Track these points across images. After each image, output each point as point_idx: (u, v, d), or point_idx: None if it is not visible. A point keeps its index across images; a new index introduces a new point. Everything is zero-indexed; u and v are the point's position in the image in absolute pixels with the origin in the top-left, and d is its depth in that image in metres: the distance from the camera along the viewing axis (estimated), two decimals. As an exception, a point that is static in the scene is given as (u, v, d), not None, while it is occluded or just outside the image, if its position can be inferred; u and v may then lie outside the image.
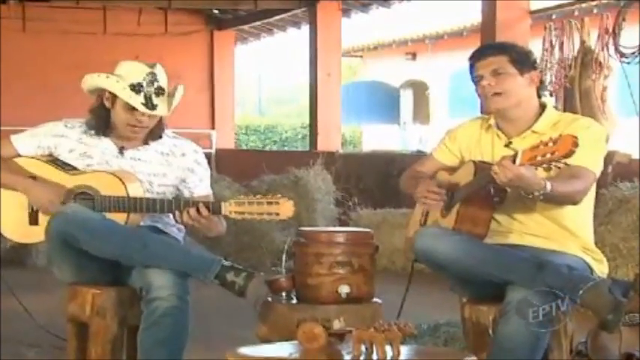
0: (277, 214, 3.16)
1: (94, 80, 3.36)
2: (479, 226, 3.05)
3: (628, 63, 6.12)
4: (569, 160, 2.78)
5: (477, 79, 3.17)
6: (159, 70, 3.36)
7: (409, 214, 3.49)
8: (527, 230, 3.14)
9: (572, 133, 2.99)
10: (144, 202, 3.26)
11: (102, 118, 3.38)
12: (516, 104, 3.14)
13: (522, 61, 3.15)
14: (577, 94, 6.23)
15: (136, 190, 3.31)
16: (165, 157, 3.43)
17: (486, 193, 3.01)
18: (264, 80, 28.06)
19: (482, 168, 3.07)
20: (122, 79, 3.31)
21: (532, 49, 3.36)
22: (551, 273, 2.93)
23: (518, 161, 2.79)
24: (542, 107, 3.19)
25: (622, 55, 6.13)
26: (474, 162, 3.15)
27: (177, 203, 3.25)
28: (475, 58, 3.19)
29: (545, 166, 2.79)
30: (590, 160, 3.02)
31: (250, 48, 13.88)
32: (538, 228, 3.13)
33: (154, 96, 3.30)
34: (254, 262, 6.52)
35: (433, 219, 3.27)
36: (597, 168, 3.07)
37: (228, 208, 3.19)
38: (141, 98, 3.29)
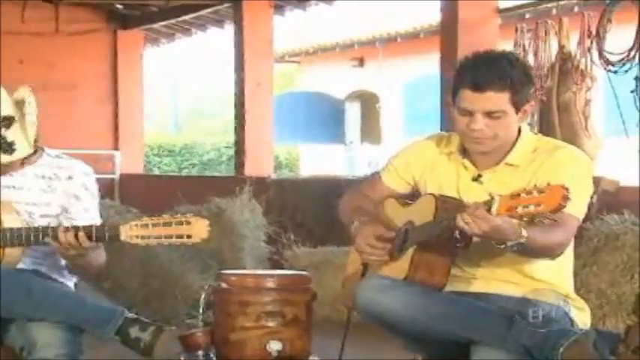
0: (189, 236, 3.15)
1: None
2: (436, 275, 3.06)
3: (615, 72, 6.22)
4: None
5: (462, 112, 3.10)
6: None
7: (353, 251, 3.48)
8: (494, 276, 3.16)
9: (552, 165, 3.04)
10: (15, 232, 3.20)
11: None
12: (502, 142, 3.15)
13: (523, 95, 3.12)
14: (555, 109, 6.31)
15: (12, 222, 3.26)
16: (48, 182, 3.40)
17: (449, 237, 3.01)
18: (181, 90, 28.00)
19: (444, 207, 3.07)
20: None
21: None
22: (525, 328, 2.95)
23: (494, 210, 2.78)
24: (519, 131, 3.20)
25: (608, 62, 6.23)
26: (435, 197, 3.15)
27: (54, 230, 3.20)
28: (469, 83, 3.08)
29: (525, 219, 2.78)
30: (574, 204, 2.98)
31: (163, 51, 13.84)
32: (506, 273, 3.15)
33: (3, 130, 3.24)
34: (165, 313, 6.46)
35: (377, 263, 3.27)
36: (582, 212, 3.09)
37: (128, 232, 3.16)
38: None
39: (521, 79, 3.12)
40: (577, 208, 3.03)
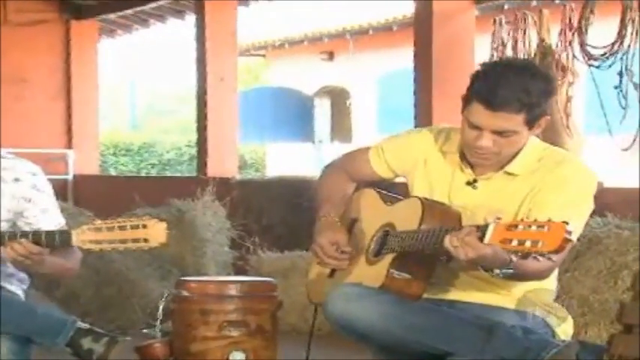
0: (146, 240, 3.14)
1: None
2: (414, 286, 3.06)
3: (597, 67, 6.26)
4: (542, 214, 2.74)
5: (471, 126, 3.06)
6: None
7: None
8: (471, 284, 3.16)
9: (555, 180, 3.01)
10: None
11: None
12: (505, 157, 3.13)
13: (539, 112, 3.06)
14: (535, 106, 6.34)
15: None
16: (-8, 185, 3.37)
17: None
18: (139, 85, 27.87)
19: (431, 214, 3.05)
20: None
21: (547, 80, 3.13)
22: (504, 339, 2.96)
23: (487, 238, 2.75)
24: None
25: (590, 56, 6.27)
26: (422, 202, 3.13)
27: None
28: (483, 99, 3.02)
29: (519, 254, 2.73)
30: (572, 226, 2.87)
31: (119, 43, 13.78)
32: (485, 281, 3.14)
33: None
34: (122, 322, 6.43)
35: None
36: (578, 233, 3.05)
37: (80, 237, 3.16)
38: None
39: (541, 97, 3.05)
40: (575, 231, 2.90)
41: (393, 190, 3.42)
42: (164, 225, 3.17)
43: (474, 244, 2.77)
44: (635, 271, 4.95)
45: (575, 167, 3.14)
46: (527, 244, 2.67)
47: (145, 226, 3.15)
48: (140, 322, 6.46)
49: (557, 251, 2.67)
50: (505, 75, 3.03)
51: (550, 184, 3.06)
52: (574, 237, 2.92)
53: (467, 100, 3.08)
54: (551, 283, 3.23)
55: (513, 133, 3.05)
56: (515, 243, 2.69)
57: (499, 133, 3.04)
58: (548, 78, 3.16)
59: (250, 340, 3.25)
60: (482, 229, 2.77)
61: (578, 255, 5.40)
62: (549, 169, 3.10)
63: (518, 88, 3.00)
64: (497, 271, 2.86)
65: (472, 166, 3.17)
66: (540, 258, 2.72)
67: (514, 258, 2.81)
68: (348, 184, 3.45)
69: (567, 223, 2.67)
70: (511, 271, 2.85)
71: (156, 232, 3.15)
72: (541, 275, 3.03)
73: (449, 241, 2.83)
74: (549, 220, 2.68)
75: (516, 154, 3.13)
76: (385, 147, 3.37)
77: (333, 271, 3.37)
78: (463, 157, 3.18)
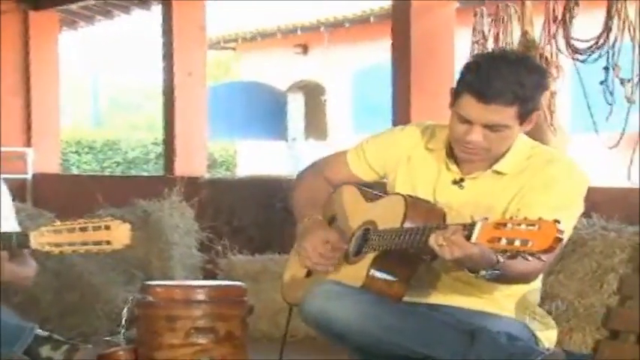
0: (108, 242, 3.15)
1: None
2: (395, 287, 3.06)
3: (583, 61, 6.28)
4: (531, 214, 2.75)
5: (461, 119, 3.07)
6: None
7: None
8: (453, 287, 3.17)
9: (544, 179, 3.03)
10: None
11: None
12: (495, 154, 3.15)
13: (532, 106, 3.09)
14: (517, 102, 6.36)
15: None
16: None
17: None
18: (103, 80, 27.80)
19: (414, 211, 3.06)
20: None
21: (541, 73, 3.18)
22: (487, 345, 2.97)
23: (474, 237, 2.75)
24: None
25: (575, 50, 6.29)
26: (405, 199, 3.13)
27: None
28: (475, 91, 3.04)
29: (508, 254, 2.73)
30: (562, 227, 2.86)
31: (81, 35, 13.73)
32: (467, 285, 3.16)
33: None
34: (84, 329, 6.42)
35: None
36: (568, 235, 3.06)
37: (38, 239, 3.15)
38: None
39: (534, 90, 3.08)
40: (564, 232, 2.86)
41: (374, 187, 3.42)
42: (128, 226, 3.17)
43: (460, 243, 2.78)
44: (621, 275, 4.98)
45: (565, 167, 3.16)
46: (517, 243, 2.67)
47: (107, 228, 3.15)
48: (103, 328, 6.44)
49: (547, 251, 2.67)
50: (498, 67, 3.05)
51: (539, 184, 3.08)
52: (565, 239, 2.94)
53: (457, 93, 3.10)
54: (535, 289, 3.24)
55: (505, 128, 3.07)
56: (503, 242, 2.69)
57: (490, 127, 3.06)
58: (543, 71, 3.21)
59: (219, 348, 3.26)
60: (469, 228, 2.78)
61: (563, 257, 5.41)
62: (538, 169, 3.12)
63: (512, 80, 3.03)
64: (483, 272, 2.87)
65: (459, 165, 3.18)
66: (530, 258, 2.72)
67: (501, 259, 2.82)
68: (327, 189, 3.44)
69: (558, 222, 2.67)
70: (498, 272, 2.86)
71: (119, 233, 3.15)
72: (527, 278, 3.04)
73: (434, 240, 2.84)
74: (540, 219, 2.69)
75: (505, 152, 3.15)
76: (366, 147, 3.37)
77: (310, 271, 3.37)
78: (449, 155, 3.20)
